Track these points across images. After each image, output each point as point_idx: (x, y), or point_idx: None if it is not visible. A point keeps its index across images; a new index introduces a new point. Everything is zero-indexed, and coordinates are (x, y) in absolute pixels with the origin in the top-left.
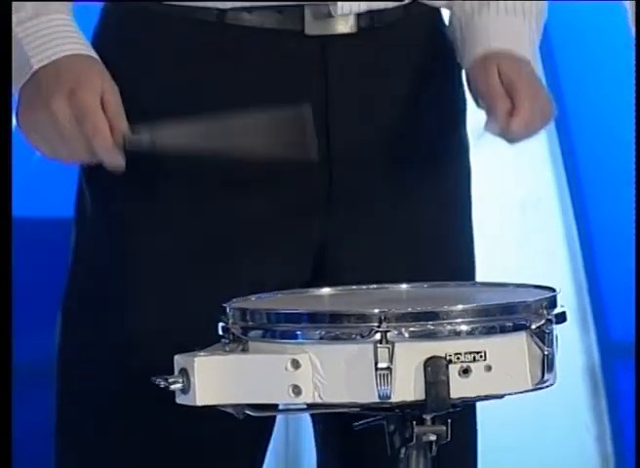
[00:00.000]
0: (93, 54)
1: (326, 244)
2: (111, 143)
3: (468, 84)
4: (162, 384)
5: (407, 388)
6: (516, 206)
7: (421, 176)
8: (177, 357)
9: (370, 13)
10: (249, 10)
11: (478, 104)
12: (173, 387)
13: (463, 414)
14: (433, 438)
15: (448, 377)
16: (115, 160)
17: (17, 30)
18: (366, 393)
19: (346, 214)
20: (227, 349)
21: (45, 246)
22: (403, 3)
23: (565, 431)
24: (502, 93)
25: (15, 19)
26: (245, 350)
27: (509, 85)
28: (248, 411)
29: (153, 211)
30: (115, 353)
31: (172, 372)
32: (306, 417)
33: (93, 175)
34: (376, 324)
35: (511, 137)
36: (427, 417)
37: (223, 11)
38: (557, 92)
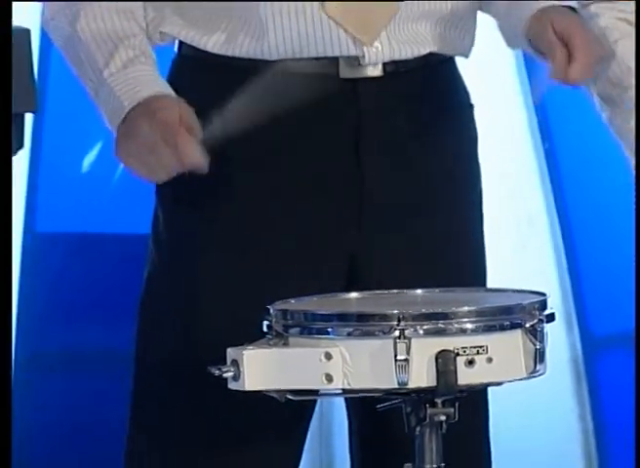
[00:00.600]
0: (173, 94)
1: (358, 256)
2: (193, 145)
3: (532, 48)
4: (216, 373)
5: (421, 376)
6: (512, 224)
7: (443, 199)
8: (229, 350)
9: (394, 61)
10: (292, 58)
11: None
12: (225, 375)
13: (477, 400)
14: (443, 418)
15: (455, 367)
16: (199, 160)
17: (109, 80)
18: (387, 380)
19: (377, 231)
20: (271, 343)
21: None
22: (421, 54)
23: (553, 412)
24: (559, 43)
25: (107, 71)
26: (286, 344)
27: (564, 34)
28: (289, 396)
29: (216, 227)
30: (183, 347)
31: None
32: (339, 404)
33: (164, 192)
34: (395, 322)
35: (572, 82)
36: (438, 401)
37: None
38: (543, 116)
